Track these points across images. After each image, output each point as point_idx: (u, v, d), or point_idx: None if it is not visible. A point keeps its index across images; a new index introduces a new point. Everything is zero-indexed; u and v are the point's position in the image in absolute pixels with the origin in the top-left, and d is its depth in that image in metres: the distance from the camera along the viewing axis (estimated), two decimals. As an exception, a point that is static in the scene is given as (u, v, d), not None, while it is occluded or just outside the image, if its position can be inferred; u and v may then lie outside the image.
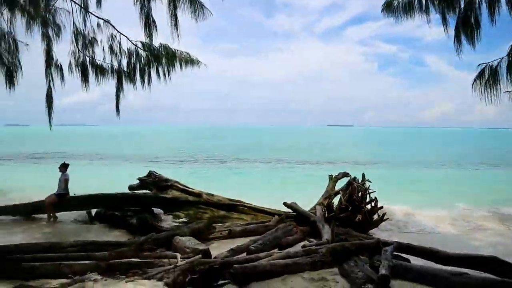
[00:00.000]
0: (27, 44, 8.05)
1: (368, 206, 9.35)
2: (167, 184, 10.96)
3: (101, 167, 29.44)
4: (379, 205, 9.38)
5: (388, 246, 6.25)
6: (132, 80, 9.18)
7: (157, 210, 10.81)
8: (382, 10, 7.07)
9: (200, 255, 6.20)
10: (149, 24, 6.99)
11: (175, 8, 6.71)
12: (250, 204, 10.74)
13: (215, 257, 6.66)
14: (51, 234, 9.75)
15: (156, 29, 7.08)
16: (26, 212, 11.43)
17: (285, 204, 10.04)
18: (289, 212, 10.08)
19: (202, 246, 6.92)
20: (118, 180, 15.88)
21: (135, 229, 9.46)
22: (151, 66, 9.25)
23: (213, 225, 8.89)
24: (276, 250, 7.32)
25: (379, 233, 9.34)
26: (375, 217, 9.40)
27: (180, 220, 10.23)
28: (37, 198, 11.82)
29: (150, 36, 7.07)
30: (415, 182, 21.54)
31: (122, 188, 11.78)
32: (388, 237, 8.61)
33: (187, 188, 10.97)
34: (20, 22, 7.81)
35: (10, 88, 7.54)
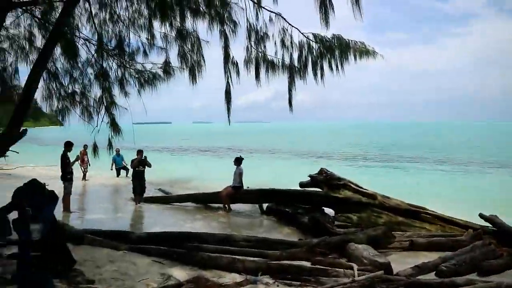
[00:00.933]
0: (208, 42, 8.37)
1: None
2: (339, 183, 10.33)
3: (273, 161, 30.61)
4: None
5: None
6: (303, 74, 8.76)
7: (327, 210, 10.33)
8: None
9: (382, 271, 5.36)
10: (325, 5, 6.33)
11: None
12: (435, 212, 9.26)
13: (396, 274, 5.75)
14: (226, 224, 10.26)
15: (333, 10, 6.35)
16: (205, 200, 12.36)
17: (482, 216, 8.28)
18: (486, 226, 8.31)
19: (382, 259, 6.06)
20: (289, 175, 16.00)
21: (305, 228, 9.21)
22: (323, 59, 8.65)
23: (392, 233, 7.85)
24: (475, 276, 5.94)
25: None
26: None
27: (348, 223, 9.52)
28: (214, 188, 12.69)
29: (326, 20, 6.39)
30: None
31: (291, 183, 11.67)
32: None
33: (360, 189, 10.14)
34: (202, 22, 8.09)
35: (193, 84, 7.91)
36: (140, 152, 12.56)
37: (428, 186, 18.42)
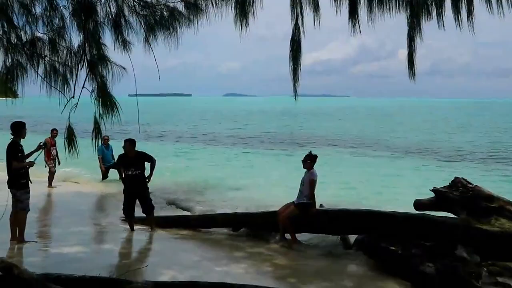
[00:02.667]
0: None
1: None
2: (490, 205, 9.35)
3: (363, 161, 29.34)
4: None
5: None
6: (439, 11, 8.11)
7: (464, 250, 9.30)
8: None
9: None
10: None
11: None
12: None
13: None
14: (287, 269, 9.81)
15: None
16: (250, 224, 11.99)
17: None
18: None
19: None
20: (392, 187, 15.09)
21: (429, 282, 8.52)
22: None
23: None
24: None
25: None
26: None
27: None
28: (263, 204, 12.53)
29: None
30: None
31: (399, 202, 11.41)
32: None
33: (531, 218, 9.11)
34: None
35: (241, 26, 7.35)
36: (130, 143, 12.05)
37: None
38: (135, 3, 8.04)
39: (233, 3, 7.53)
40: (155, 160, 12.27)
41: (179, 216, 13.42)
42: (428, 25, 7.98)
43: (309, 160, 11.28)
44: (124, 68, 7.64)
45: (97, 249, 10.72)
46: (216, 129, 53.74)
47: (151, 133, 42.83)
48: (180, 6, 8.17)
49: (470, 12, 7.80)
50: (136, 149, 12.19)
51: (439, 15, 7.89)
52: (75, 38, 7.70)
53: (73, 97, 7.11)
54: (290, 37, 7.91)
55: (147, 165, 12.29)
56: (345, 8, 7.83)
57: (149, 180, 12.22)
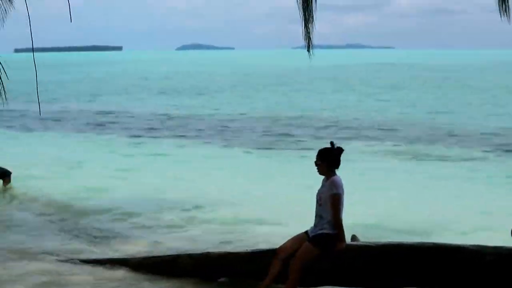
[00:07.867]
0: None
1: None
2: None
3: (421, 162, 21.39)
4: None
5: None
6: None
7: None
8: None
9: None
10: None
11: None
12: None
13: None
14: None
15: None
16: (225, 271, 8.76)
17: None
18: None
19: None
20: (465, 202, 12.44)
21: None
22: None
23: None
24: None
25: None
26: None
27: None
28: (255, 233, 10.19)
29: None
30: None
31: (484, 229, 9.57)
32: None
33: None
34: None
35: None
36: None
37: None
38: None
39: None
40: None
41: (114, 259, 9.61)
42: None
43: (324, 161, 7.32)
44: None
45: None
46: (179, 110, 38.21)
47: (57, 114, 32.69)
48: None
49: None
50: None
51: None
52: None
53: None
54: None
55: None
56: None
57: None
